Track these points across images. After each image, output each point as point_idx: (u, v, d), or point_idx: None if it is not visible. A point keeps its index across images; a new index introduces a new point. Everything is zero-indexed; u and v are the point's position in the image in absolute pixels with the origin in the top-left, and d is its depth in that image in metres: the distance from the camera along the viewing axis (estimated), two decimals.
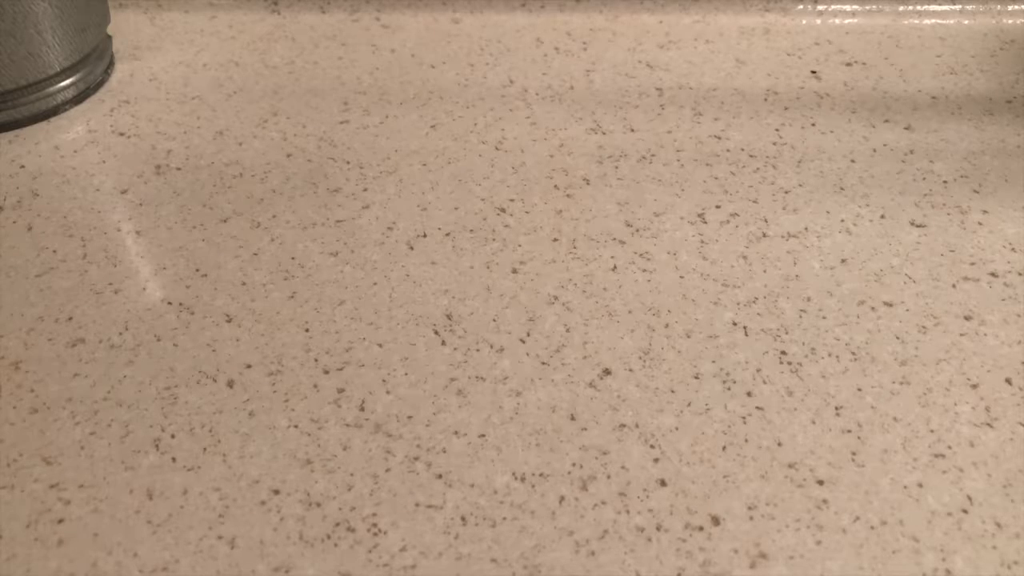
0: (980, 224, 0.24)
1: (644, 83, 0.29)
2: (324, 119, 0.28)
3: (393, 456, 0.19)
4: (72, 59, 0.27)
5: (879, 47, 0.31)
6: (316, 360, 0.21)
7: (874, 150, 0.27)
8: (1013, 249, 0.24)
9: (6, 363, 0.20)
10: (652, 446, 0.19)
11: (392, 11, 0.33)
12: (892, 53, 0.31)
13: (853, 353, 0.21)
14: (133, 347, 0.21)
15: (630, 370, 0.20)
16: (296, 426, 0.19)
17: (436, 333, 0.21)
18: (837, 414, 0.20)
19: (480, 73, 0.30)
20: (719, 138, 0.27)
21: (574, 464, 0.19)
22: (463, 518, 0.18)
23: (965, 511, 0.18)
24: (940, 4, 0.32)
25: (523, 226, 0.24)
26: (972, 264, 0.23)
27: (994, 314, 0.22)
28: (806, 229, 0.24)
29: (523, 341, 0.21)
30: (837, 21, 0.32)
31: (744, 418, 0.19)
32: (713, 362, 0.21)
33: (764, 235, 0.24)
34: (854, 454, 0.19)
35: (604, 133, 0.27)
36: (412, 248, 0.23)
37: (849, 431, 0.19)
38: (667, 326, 0.21)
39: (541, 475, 0.18)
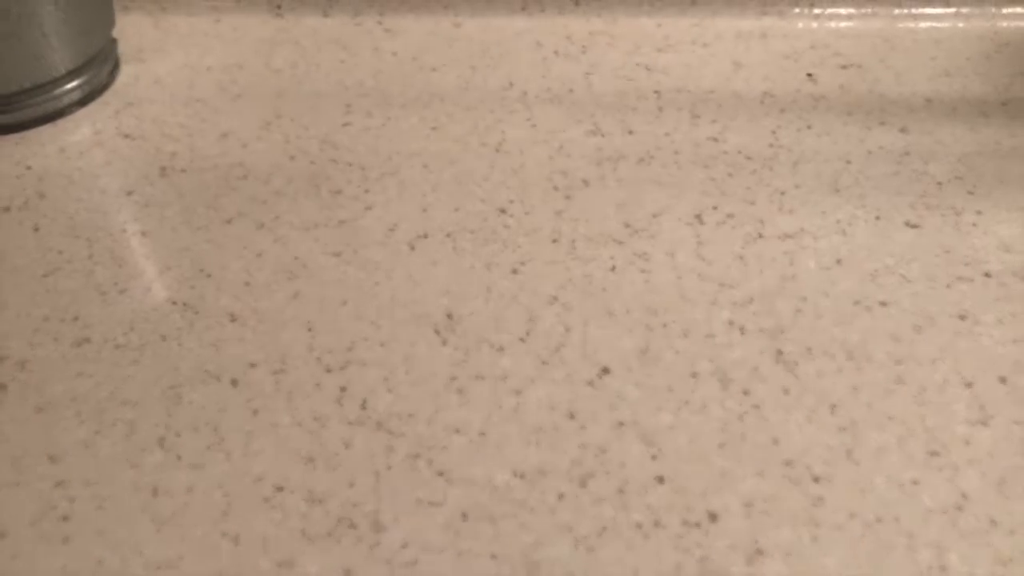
0: (974, 225, 0.25)
1: (642, 86, 0.30)
2: (327, 121, 0.28)
3: (394, 453, 0.19)
4: (77, 62, 0.28)
5: (874, 50, 0.31)
6: (319, 359, 0.21)
7: (869, 152, 0.27)
8: (1007, 250, 0.24)
9: (12, 362, 0.21)
10: (650, 444, 0.19)
11: (394, 15, 0.33)
12: (887, 56, 0.31)
13: (849, 352, 0.21)
14: (138, 347, 0.21)
15: (628, 369, 0.21)
16: (299, 424, 0.19)
17: (437, 333, 0.21)
18: (833, 412, 0.20)
19: (481, 76, 0.30)
20: (716, 140, 0.27)
21: (573, 461, 0.19)
22: (464, 515, 0.18)
23: (960, 508, 0.18)
24: (935, 7, 0.33)
25: (523, 227, 0.24)
26: (967, 264, 0.23)
27: (988, 314, 0.22)
28: (802, 230, 0.24)
29: (523, 341, 0.21)
30: (833, 24, 0.33)
31: (741, 416, 0.20)
32: (710, 361, 0.21)
33: (760, 236, 0.24)
34: (850, 452, 0.19)
35: (603, 135, 0.28)
36: (413, 249, 0.24)
37: (845, 429, 0.19)
38: (665, 326, 0.22)
39: (541, 472, 0.19)
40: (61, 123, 0.28)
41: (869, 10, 0.33)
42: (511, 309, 0.22)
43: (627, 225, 0.24)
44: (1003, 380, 0.20)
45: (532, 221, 0.25)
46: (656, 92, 0.29)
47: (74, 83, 0.28)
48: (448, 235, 0.24)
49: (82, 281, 0.23)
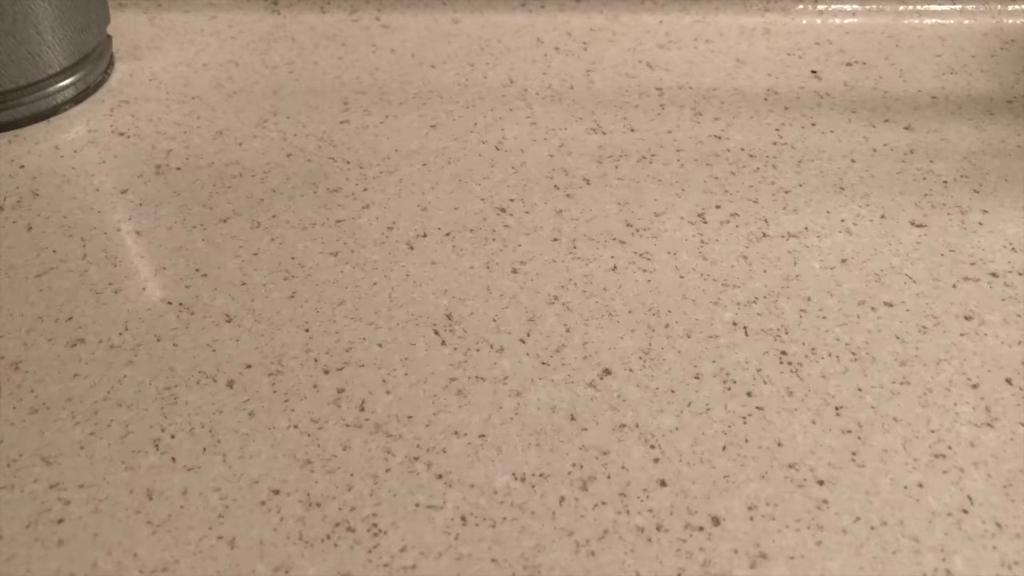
0: (980, 224, 0.24)
1: (644, 83, 0.29)
2: (324, 119, 0.28)
3: (393, 456, 0.19)
4: (72, 59, 0.27)
5: (879, 47, 0.31)
6: (316, 360, 0.21)
7: (874, 150, 0.27)
8: (1013, 249, 0.24)
9: (6, 363, 0.20)
10: (652, 446, 0.19)
11: (392, 11, 0.33)
12: (892, 53, 0.31)
13: (853, 353, 0.21)
14: (133, 347, 0.21)
15: (630, 370, 0.20)
16: (296, 426, 0.19)
17: (436, 333, 0.21)
18: (837, 414, 0.19)
19: (480, 73, 0.30)
20: (719, 138, 0.27)
21: (574, 464, 0.19)
22: (463, 518, 0.18)
23: (965, 511, 0.18)
24: (940, 4, 0.32)
25: (523, 226, 0.24)
26: (972, 264, 0.23)
27: (994, 314, 0.22)
28: (806, 229, 0.24)
29: (523, 341, 0.21)
30: (837, 21, 0.32)
31: (744, 418, 0.19)
32: (713, 362, 0.21)
33: (764, 235, 0.24)
34: (854, 454, 0.19)
35: (604, 133, 0.27)
36: (412, 248, 0.23)
37: (849, 431, 0.19)
38: (667, 326, 0.21)
39: (541, 475, 0.18)
40: (55, 121, 0.28)
41: (874, 6, 0.32)
42: (511, 309, 0.22)
43: (629, 224, 0.24)
44: (1009, 381, 0.20)
45: (532, 220, 0.24)
46: (658, 89, 0.29)
47: (68, 81, 0.28)
48: (447, 234, 0.24)
49: (76, 281, 0.22)
